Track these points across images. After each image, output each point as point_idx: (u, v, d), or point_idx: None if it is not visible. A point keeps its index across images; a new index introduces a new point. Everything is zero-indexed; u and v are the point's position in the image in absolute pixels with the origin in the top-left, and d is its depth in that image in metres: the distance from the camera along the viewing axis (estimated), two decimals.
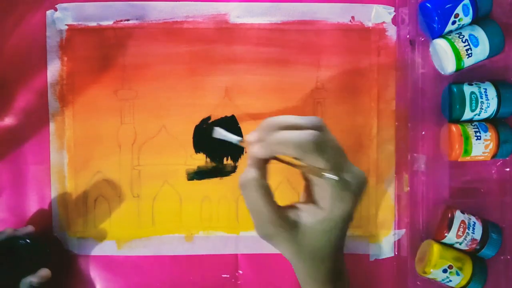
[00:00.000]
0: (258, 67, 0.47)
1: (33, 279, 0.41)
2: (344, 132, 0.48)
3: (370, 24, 0.47)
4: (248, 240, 0.47)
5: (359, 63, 0.47)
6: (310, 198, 0.34)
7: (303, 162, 0.32)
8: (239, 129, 0.47)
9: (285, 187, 0.47)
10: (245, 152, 0.47)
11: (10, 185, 0.47)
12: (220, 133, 0.37)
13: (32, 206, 0.47)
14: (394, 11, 0.47)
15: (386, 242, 0.48)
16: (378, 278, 0.48)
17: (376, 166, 0.48)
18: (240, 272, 0.47)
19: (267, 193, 0.32)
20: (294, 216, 0.33)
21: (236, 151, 0.47)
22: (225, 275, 0.47)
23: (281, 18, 0.47)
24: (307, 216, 0.32)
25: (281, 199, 0.47)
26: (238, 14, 0.47)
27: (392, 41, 0.48)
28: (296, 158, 0.32)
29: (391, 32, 0.47)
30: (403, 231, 0.48)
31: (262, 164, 0.33)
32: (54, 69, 0.47)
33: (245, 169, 0.33)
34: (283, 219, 0.32)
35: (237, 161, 0.47)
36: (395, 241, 0.48)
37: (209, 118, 0.47)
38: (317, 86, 0.47)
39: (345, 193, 0.31)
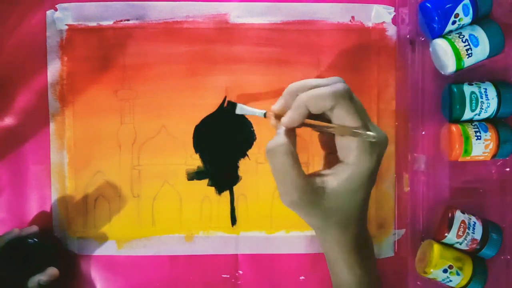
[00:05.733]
0: (258, 67, 0.47)
1: (41, 277, 0.41)
2: None
3: (370, 24, 0.47)
4: (248, 240, 0.47)
5: (359, 63, 0.47)
6: (332, 164, 0.34)
7: (332, 123, 0.32)
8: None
9: None
10: (253, 145, 0.47)
11: (10, 185, 0.47)
12: (243, 108, 0.37)
13: (32, 206, 0.47)
14: (394, 11, 0.47)
15: (386, 242, 0.48)
16: None
17: None
18: (240, 272, 0.47)
19: (296, 159, 0.33)
20: (320, 182, 0.33)
21: (236, 155, 0.47)
22: (225, 275, 0.47)
23: (281, 18, 0.47)
24: (333, 178, 0.32)
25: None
26: (238, 14, 0.47)
27: (392, 41, 0.47)
28: (326, 116, 0.33)
29: (391, 32, 0.47)
30: (403, 231, 0.48)
31: (291, 132, 0.34)
32: (54, 69, 0.47)
33: (274, 137, 0.34)
34: (310, 184, 0.32)
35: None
36: (395, 241, 0.48)
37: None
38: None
39: (372, 148, 0.32)
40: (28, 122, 0.47)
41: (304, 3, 0.47)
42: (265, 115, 0.36)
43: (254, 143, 0.47)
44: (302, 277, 0.47)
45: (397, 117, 0.48)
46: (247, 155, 0.47)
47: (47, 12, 0.46)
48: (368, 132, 0.31)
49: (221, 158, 0.47)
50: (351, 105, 0.32)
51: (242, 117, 0.47)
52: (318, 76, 0.47)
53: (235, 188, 0.47)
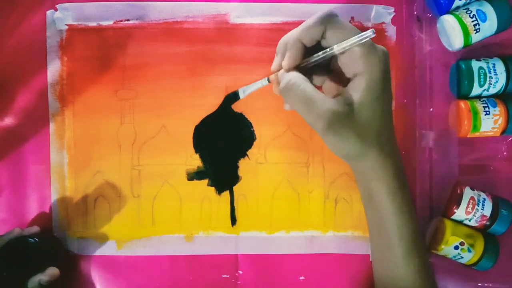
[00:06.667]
0: (258, 67, 0.47)
1: (42, 277, 0.41)
2: None
3: (369, 25, 0.47)
4: (248, 240, 0.47)
5: None
6: (344, 83, 0.34)
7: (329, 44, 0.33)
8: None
9: (285, 187, 0.47)
10: (248, 156, 0.47)
11: (10, 185, 0.47)
12: (245, 90, 0.39)
13: (32, 206, 0.47)
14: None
15: None
16: None
17: None
18: (240, 272, 0.47)
19: (311, 85, 0.33)
20: (345, 100, 0.32)
21: (235, 156, 0.47)
22: (225, 275, 0.47)
23: (281, 18, 0.47)
24: (354, 93, 0.32)
25: (281, 199, 0.48)
26: (238, 14, 0.47)
27: (392, 41, 0.48)
28: (322, 44, 0.34)
29: (391, 32, 0.48)
30: None
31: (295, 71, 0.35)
32: (54, 69, 0.47)
33: (282, 80, 0.34)
34: (338, 104, 0.32)
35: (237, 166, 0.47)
36: None
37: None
38: (317, 86, 0.47)
39: (375, 50, 0.32)
40: (28, 122, 0.47)
41: (304, 3, 0.47)
42: (268, 80, 0.36)
43: (254, 143, 0.47)
44: (302, 277, 0.47)
45: (405, 94, 0.47)
46: (247, 155, 0.47)
47: (47, 12, 0.46)
48: (365, 32, 0.32)
49: (221, 158, 0.47)
50: (341, 21, 0.32)
51: (242, 117, 0.47)
52: None
53: (235, 188, 0.47)
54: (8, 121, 0.47)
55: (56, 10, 0.46)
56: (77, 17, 0.46)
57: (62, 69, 0.47)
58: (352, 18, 0.47)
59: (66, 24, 0.46)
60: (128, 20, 0.47)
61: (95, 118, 0.47)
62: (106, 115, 0.47)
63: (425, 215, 0.46)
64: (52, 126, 0.47)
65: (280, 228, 0.47)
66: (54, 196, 0.47)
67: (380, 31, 0.47)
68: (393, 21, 0.47)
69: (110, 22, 0.46)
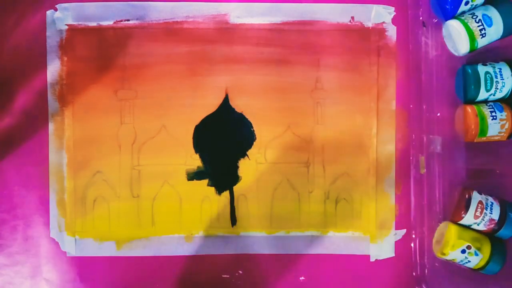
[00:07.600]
0: (258, 67, 0.47)
1: None
2: (344, 132, 0.48)
3: (370, 24, 0.47)
4: (248, 240, 0.47)
5: (359, 63, 0.47)
6: None
7: None
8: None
9: (285, 187, 0.47)
10: (247, 157, 0.47)
11: (9, 185, 0.47)
12: None
13: (31, 207, 0.47)
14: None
15: (386, 242, 0.48)
16: (379, 279, 0.48)
17: (376, 166, 0.48)
18: (240, 272, 0.47)
19: None
20: None
21: (235, 156, 0.47)
22: (225, 275, 0.47)
23: (281, 18, 0.47)
24: None
25: (281, 199, 0.48)
26: (238, 14, 0.47)
27: (392, 41, 0.48)
28: None
29: (391, 32, 0.48)
30: (404, 231, 0.48)
31: None
32: (54, 69, 0.47)
33: None
34: None
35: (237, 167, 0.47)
36: (395, 241, 0.48)
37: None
38: (317, 86, 0.47)
39: None
40: (27, 122, 0.47)
41: (304, 3, 0.47)
42: None
43: (254, 143, 0.47)
44: (302, 277, 0.47)
45: (412, 98, 0.47)
46: (247, 155, 0.47)
47: (47, 12, 0.46)
48: None
49: (221, 158, 0.47)
50: None
51: (242, 117, 0.47)
52: (318, 76, 0.47)
53: (235, 188, 0.47)
54: (8, 121, 0.47)
55: (56, 10, 0.46)
56: (77, 17, 0.46)
57: (62, 69, 0.47)
58: (352, 18, 0.47)
59: (66, 24, 0.46)
60: (128, 20, 0.47)
61: (95, 118, 0.47)
62: (106, 115, 0.47)
63: (433, 220, 0.46)
64: (51, 126, 0.47)
65: (280, 228, 0.47)
66: (52, 197, 0.47)
67: (380, 30, 0.47)
68: (394, 21, 0.47)
69: (110, 22, 0.47)
